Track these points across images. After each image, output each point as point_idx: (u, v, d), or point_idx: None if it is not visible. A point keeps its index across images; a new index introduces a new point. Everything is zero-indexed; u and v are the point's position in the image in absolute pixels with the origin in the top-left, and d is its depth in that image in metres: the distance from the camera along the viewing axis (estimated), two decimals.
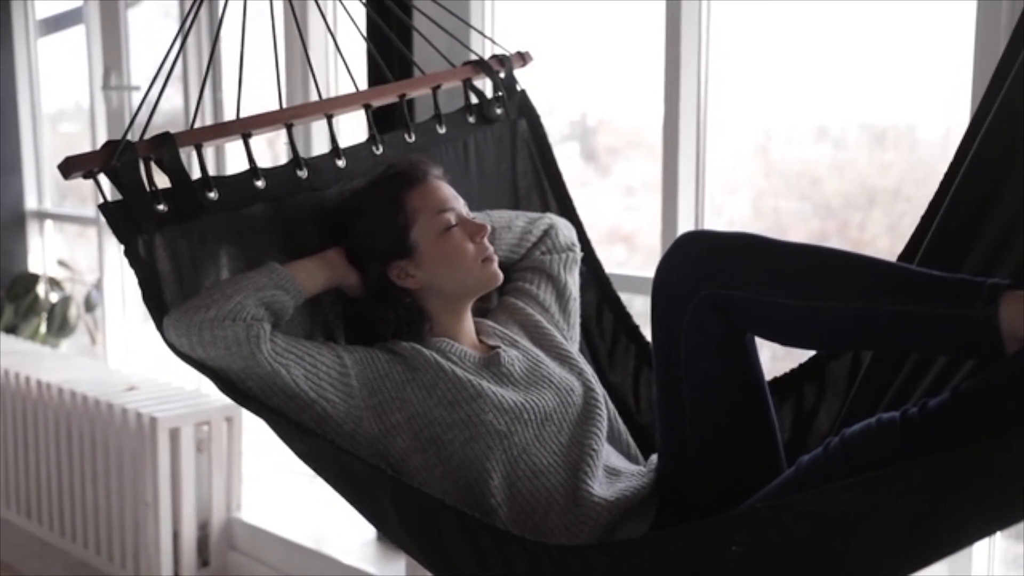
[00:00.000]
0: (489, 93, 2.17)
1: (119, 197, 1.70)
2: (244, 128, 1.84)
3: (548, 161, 2.21)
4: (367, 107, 1.99)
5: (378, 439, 1.70)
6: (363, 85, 2.19)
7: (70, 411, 3.82)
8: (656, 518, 1.68)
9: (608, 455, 1.78)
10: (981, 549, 2.28)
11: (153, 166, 1.73)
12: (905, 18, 2.48)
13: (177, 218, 1.73)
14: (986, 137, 1.62)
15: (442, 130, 2.09)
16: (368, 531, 3.43)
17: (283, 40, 3.46)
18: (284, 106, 1.93)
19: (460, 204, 1.85)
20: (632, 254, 3.33)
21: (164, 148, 1.73)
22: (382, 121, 2.03)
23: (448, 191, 1.85)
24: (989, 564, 2.30)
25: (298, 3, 2.27)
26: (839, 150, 2.85)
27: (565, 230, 2.07)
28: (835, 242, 2.79)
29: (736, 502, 1.50)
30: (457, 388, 1.71)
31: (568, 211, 2.18)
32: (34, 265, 5.09)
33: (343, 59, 2.07)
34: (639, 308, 2.32)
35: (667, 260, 1.61)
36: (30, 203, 5.08)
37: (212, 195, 1.77)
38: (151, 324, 1.71)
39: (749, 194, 2.98)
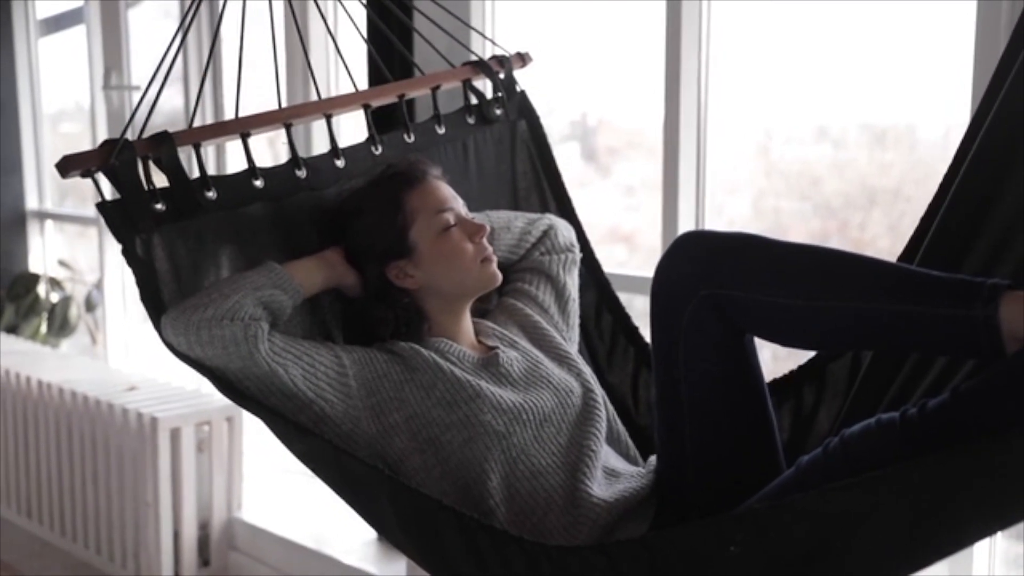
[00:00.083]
0: (489, 94, 2.17)
1: (117, 196, 1.70)
2: (243, 128, 1.84)
3: (547, 162, 2.21)
4: (366, 107, 1.99)
5: (376, 439, 1.69)
6: (363, 86, 2.19)
7: (71, 411, 3.82)
8: (655, 519, 1.68)
9: (607, 456, 1.78)
10: (982, 549, 2.28)
11: (152, 165, 1.73)
12: (905, 18, 2.48)
13: (175, 217, 1.73)
14: (986, 137, 1.62)
15: (441, 130, 2.09)
16: (369, 531, 3.43)
17: (283, 40, 3.46)
18: (284, 106, 1.93)
19: (459, 204, 1.85)
20: (632, 254, 3.33)
21: (162, 147, 1.73)
22: (382, 122, 2.03)
23: (447, 191, 1.85)
24: (990, 564, 2.30)
25: (298, 4, 2.27)
26: (839, 150, 2.85)
27: (564, 231, 2.07)
28: (835, 242, 2.79)
29: (735, 503, 1.50)
30: (456, 388, 1.71)
31: (567, 212, 2.17)
32: (35, 265, 5.09)
33: (343, 61, 2.07)
34: (639, 308, 2.32)
35: (666, 260, 1.61)
36: (31, 203, 5.09)
37: (210, 194, 1.77)
38: (151, 324, 1.71)
39: (749, 194, 2.98)
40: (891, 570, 1.36)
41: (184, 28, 1.85)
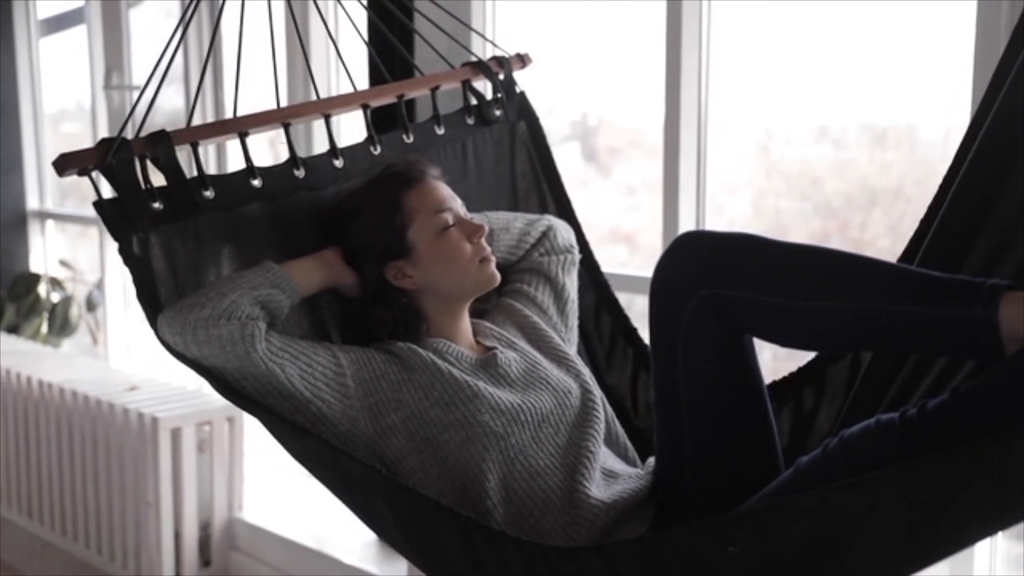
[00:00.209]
0: (488, 95, 2.17)
1: (115, 195, 1.70)
2: (241, 127, 1.84)
3: (547, 163, 2.21)
4: (365, 107, 1.98)
5: (374, 440, 1.69)
6: (364, 87, 2.19)
7: (71, 411, 3.82)
8: (654, 520, 1.68)
9: (605, 457, 1.78)
10: (983, 549, 2.28)
11: (150, 164, 1.73)
12: (905, 18, 2.47)
13: (173, 216, 1.72)
14: (986, 137, 1.62)
15: (441, 131, 2.09)
16: (370, 531, 3.43)
17: (284, 41, 3.46)
18: (282, 106, 1.93)
19: (458, 204, 1.85)
20: (633, 254, 3.33)
21: (160, 146, 1.73)
22: (382, 122, 2.03)
23: (446, 191, 1.85)
24: (991, 564, 2.29)
25: (299, 4, 2.27)
26: (840, 150, 2.85)
27: (564, 232, 2.07)
28: (836, 242, 2.79)
29: (734, 504, 1.50)
30: (454, 389, 1.71)
31: (567, 213, 2.17)
32: (35, 265, 5.09)
33: (343, 63, 2.07)
34: (640, 308, 2.32)
35: (666, 260, 1.61)
36: (31, 203, 5.09)
37: (208, 193, 1.77)
38: (147, 323, 1.71)
39: (750, 194, 2.98)
40: (891, 570, 1.36)
41: (185, 22, 1.84)
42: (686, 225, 2.65)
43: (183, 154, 1.78)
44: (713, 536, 1.32)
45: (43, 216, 5.09)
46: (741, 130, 2.86)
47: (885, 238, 2.70)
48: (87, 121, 4.83)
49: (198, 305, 1.61)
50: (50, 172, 5.08)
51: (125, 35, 4.43)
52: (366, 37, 2.21)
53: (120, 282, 4.63)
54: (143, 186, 1.71)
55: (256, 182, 1.83)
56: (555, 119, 3.32)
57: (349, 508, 1.69)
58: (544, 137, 2.22)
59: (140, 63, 4.41)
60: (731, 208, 2.97)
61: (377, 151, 1.98)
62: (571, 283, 2.03)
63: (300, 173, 1.88)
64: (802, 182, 2.90)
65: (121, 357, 4.69)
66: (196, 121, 1.88)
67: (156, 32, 4.51)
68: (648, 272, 1.67)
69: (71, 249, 5.21)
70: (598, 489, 1.68)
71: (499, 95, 2.17)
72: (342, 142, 1.97)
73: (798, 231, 2.87)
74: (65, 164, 1.68)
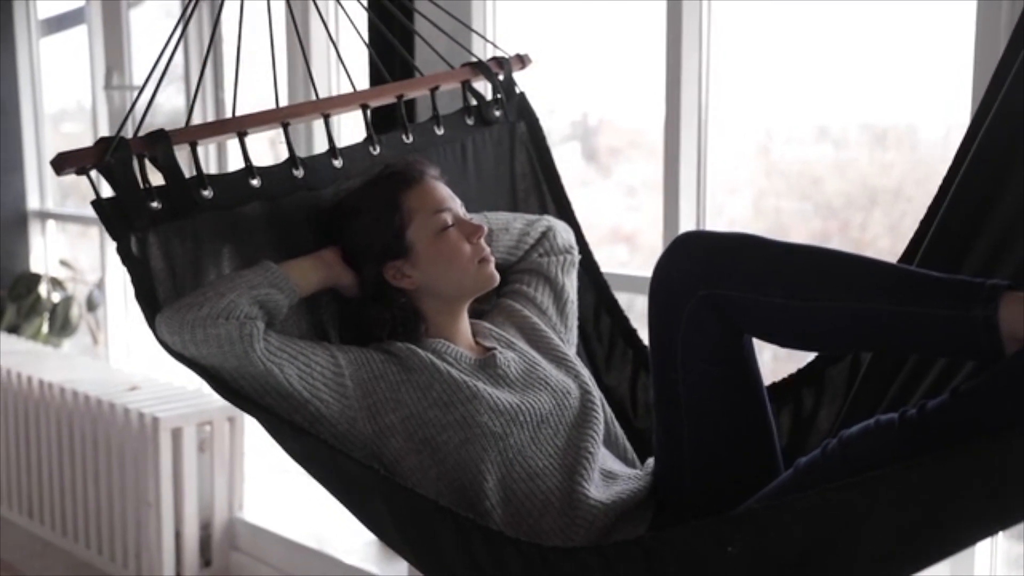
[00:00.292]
0: (488, 95, 2.17)
1: (113, 194, 1.70)
2: (239, 127, 1.84)
3: (547, 163, 2.21)
4: (364, 107, 1.98)
5: (372, 440, 1.69)
6: (364, 87, 2.19)
7: (72, 411, 3.82)
8: (653, 521, 1.67)
9: (604, 458, 1.77)
10: (984, 549, 2.28)
11: (148, 164, 1.72)
12: (905, 18, 2.47)
13: (171, 216, 1.72)
14: (986, 137, 1.62)
15: (440, 131, 2.08)
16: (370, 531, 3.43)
17: (285, 42, 3.46)
18: (281, 105, 1.93)
19: (457, 204, 1.85)
20: (634, 254, 3.33)
21: (158, 145, 1.72)
22: (382, 123, 2.03)
23: (445, 191, 1.85)
24: (992, 564, 2.29)
25: (299, 5, 2.27)
26: (840, 150, 2.85)
27: (563, 232, 2.06)
28: (836, 242, 2.79)
29: (733, 504, 1.49)
30: (452, 389, 1.70)
31: (566, 214, 2.17)
32: (36, 265, 5.09)
33: (343, 65, 2.07)
34: (641, 309, 2.31)
35: (665, 260, 1.61)
36: (32, 203, 5.09)
37: (206, 193, 1.77)
38: (146, 322, 1.71)
39: (750, 194, 2.98)
40: (892, 570, 1.36)
41: (185, 18, 1.84)
42: (686, 225, 2.65)
43: (183, 154, 1.78)
44: (712, 536, 1.32)
45: (44, 216, 5.09)
46: (741, 130, 2.86)
47: (885, 238, 2.70)
48: (88, 121, 4.83)
49: (196, 304, 1.61)
50: (51, 172, 5.03)
51: (125, 35, 4.43)
52: (366, 38, 2.21)
53: (121, 282, 4.63)
54: (141, 185, 1.71)
55: (255, 182, 1.83)
56: (555, 119, 3.33)
57: (347, 508, 1.68)
58: (544, 138, 2.22)
59: (141, 63, 4.41)
60: (731, 208, 2.97)
61: (376, 151, 1.98)
62: (570, 284, 2.03)
63: (299, 173, 1.88)
64: (802, 182, 2.90)
65: (122, 357, 4.69)
66: (196, 121, 1.88)
67: (156, 32, 4.51)
68: (648, 272, 1.67)
69: (72, 249, 5.21)
70: (597, 490, 1.68)
71: (499, 96, 2.16)
72: (342, 143, 1.97)
73: (798, 231, 2.87)
74: (63, 163, 1.68)
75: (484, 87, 2.17)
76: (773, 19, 2.70)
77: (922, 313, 1.42)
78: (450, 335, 1.83)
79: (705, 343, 1.59)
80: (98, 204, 1.69)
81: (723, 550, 1.31)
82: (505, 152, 2.18)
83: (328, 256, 1.80)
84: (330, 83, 3.59)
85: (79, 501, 3.85)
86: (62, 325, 4.85)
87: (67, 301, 4.88)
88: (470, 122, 2.14)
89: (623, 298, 2.17)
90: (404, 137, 2.03)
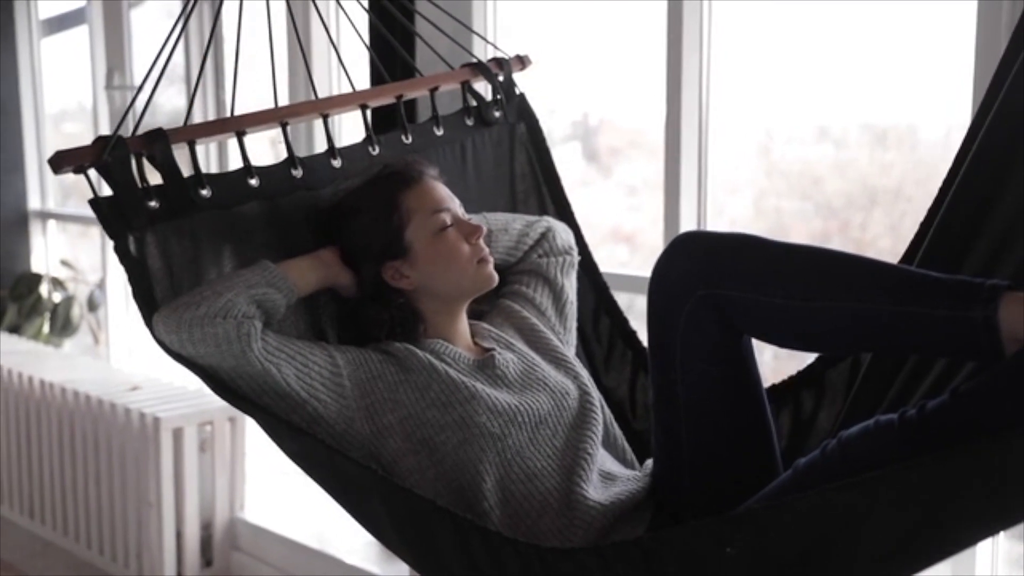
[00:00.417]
0: (488, 96, 2.17)
1: (111, 193, 1.69)
2: (238, 126, 1.84)
3: (546, 164, 2.20)
4: (363, 107, 1.98)
5: (370, 440, 1.69)
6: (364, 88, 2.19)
7: (73, 411, 3.82)
8: (651, 522, 1.67)
9: (603, 459, 1.77)
10: (985, 549, 2.28)
11: (147, 163, 1.72)
12: (906, 18, 2.47)
13: (169, 215, 1.72)
14: (986, 138, 1.62)
15: (439, 132, 2.08)
16: None
17: (286, 43, 3.45)
18: (280, 105, 1.93)
19: (456, 205, 1.84)
20: (634, 254, 3.33)
21: (156, 144, 1.72)
22: (382, 123, 2.03)
23: (444, 191, 1.84)
24: (993, 564, 2.29)
25: (300, 5, 2.27)
26: (840, 150, 2.85)
27: (563, 233, 2.06)
28: (837, 242, 2.79)
29: (732, 505, 1.49)
30: (451, 390, 1.70)
31: (566, 215, 2.17)
32: (37, 265, 5.09)
33: (343, 66, 2.07)
34: (641, 308, 2.31)
35: (664, 260, 1.61)
36: (33, 203, 5.08)
37: (205, 192, 1.76)
38: (143, 322, 1.70)
39: (751, 194, 2.98)
40: (892, 570, 1.36)
41: (186, 15, 1.84)
42: (687, 225, 2.65)
43: (183, 153, 1.78)
44: (711, 536, 1.32)
45: (44, 216, 5.09)
46: (742, 130, 2.86)
47: (886, 238, 2.70)
48: (88, 121, 4.83)
49: (194, 304, 1.60)
50: (51, 172, 5.07)
51: (126, 35, 4.43)
52: (367, 39, 2.21)
53: (121, 282, 4.62)
54: (139, 184, 1.71)
55: (253, 181, 1.82)
56: (556, 119, 3.33)
57: (345, 509, 1.68)
58: (543, 139, 2.22)
59: (142, 63, 4.41)
60: (732, 208, 2.97)
61: (375, 151, 1.98)
62: (570, 285, 2.03)
63: (298, 173, 1.88)
64: (803, 182, 2.90)
65: (123, 357, 4.69)
66: (197, 120, 1.88)
67: (157, 32, 4.51)
68: (649, 272, 1.67)
69: (72, 249, 5.20)
70: (595, 491, 1.68)
71: (498, 96, 2.16)
72: (343, 143, 1.97)
73: (799, 231, 2.87)
74: (61, 161, 1.68)
75: (484, 88, 2.17)
76: (773, 19, 2.70)
77: (922, 313, 1.42)
78: (449, 336, 1.83)
79: (704, 343, 1.59)
80: (95, 203, 1.69)
81: (722, 550, 1.30)
82: (505, 153, 2.18)
83: (326, 256, 1.79)
84: (331, 84, 3.59)
85: (80, 501, 3.85)
86: (63, 325, 4.85)
87: (68, 301, 4.88)
88: (470, 123, 2.13)
89: (623, 298, 2.17)
90: (403, 137, 2.03)
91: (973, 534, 1.34)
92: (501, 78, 2.16)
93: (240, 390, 1.65)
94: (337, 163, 1.93)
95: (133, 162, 1.70)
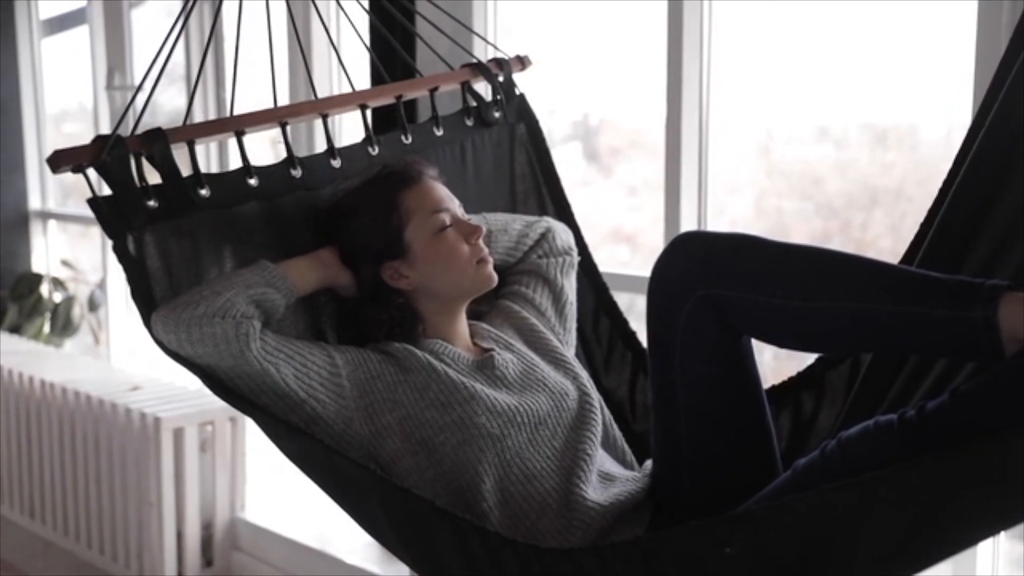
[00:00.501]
0: (488, 97, 2.16)
1: (109, 192, 1.69)
2: (237, 126, 1.83)
3: (546, 165, 2.20)
4: (363, 107, 1.98)
5: (369, 440, 1.68)
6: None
7: (74, 411, 3.82)
8: (651, 523, 1.67)
9: (602, 460, 1.77)
10: (985, 550, 2.28)
11: (145, 163, 1.72)
12: (906, 18, 2.47)
13: (168, 215, 1.72)
14: (986, 138, 1.61)
15: (439, 132, 2.08)
16: None
17: (286, 42, 3.45)
18: (280, 105, 1.92)
19: (455, 205, 1.84)
20: (635, 254, 3.33)
21: (156, 143, 1.72)
22: (382, 124, 2.03)
23: (443, 192, 1.84)
24: (994, 564, 2.29)
25: (300, 5, 2.27)
26: (841, 150, 2.85)
27: (563, 234, 2.06)
28: (837, 242, 2.79)
29: (731, 505, 1.49)
30: (450, 390, 1.70)
31: (566, 215, 2.17)
32: (37, 265, 5.09)
33: (343, 67, 2.07)
34: (642, 309, 2.31)
35: (663, 260, 1.61)
36: (33, 203, 5.09)
37: (204, 192, 1.76)
38: (141, 321, 1.70)
39: (751, 194, 2.98)
40: (891, 571, 1.35)
41: (186, 12, 1.83)
42: (688, 225, 2.65)
43: (183, 153, 1.77)
44: (710, 537, 1.32)
45: (45, 216, 5.10)
46: (742, 130, 2.86)
47: (886, 238, 2.70)
48: (89, 121, 4.83)
49: (192, 303, 1.60)
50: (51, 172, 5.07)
51: (127, 35, 4.43)
52: (367, 40, 2.20)
53: (122, 282, 4.61)
54: (138, 184, 1.70)
55: (252, 181, 1.82)
56: (556, 119, 3.33)
57: (343, 509, 1.68)
58: (543, 139, 2.22)
59: (142, 63, 4.41)
60: (732, 208, 2.97)
61: (375, 151, 1.98)
62: (569, 285, 2.02)
63: (297, 172, 1.87)
64: (803, 182, 2.90)
65: (123, 357, 4.69)
66: (197, 120, 1.88)
67: (158, 32, 4.50)
68: (649, 273, 1.67)
69: (73, 249, 5.21)
70: (595, 492, 1.67)
71: (498, 97, 2.16)
72: (343, 144, 1.97)
73: (799, 231, 2.87)
74: (59, 161, 1.67)
75: (484, 88, 2.17)
76: (774, 19, 2.70)
77: (922, 313, 1.42)
78: (448, 336, 1.83)
79: (703, 343, 1.59)
80: (94, 202, 1.69)
81: (721, 551, 1.30)
82: (504, 153, 2.17)
83: (326, 256, 1.79)
84: (331, 84, 3.59)
85: (81, 501, 3.85)
86: (63, 325, 4.85)
87: (68, 301, 4.88)
88: (469, 123, 2.13)
89: (624, 298, 2.16)
90: (403, 138, 2.03)
91: (973, 534, 1.34)
92: (501, 78, 2.16)
93: (238, 390, 1.64)
94: (336, 163, 1.93)
95: (132, 162, 1.70)
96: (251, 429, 3.74)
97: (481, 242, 1.82)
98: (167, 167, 1.73)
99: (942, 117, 2.57)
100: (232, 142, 1.88)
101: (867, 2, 2.51)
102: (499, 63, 2.18)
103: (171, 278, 1.71)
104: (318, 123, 1.99)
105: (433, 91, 2.09)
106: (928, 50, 2.44)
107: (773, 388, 1.89)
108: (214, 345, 1.59)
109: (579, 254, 2.08)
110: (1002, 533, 1.97)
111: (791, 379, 1.90)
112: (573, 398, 1.80)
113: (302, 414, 1.65)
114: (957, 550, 1.36)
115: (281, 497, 3.85)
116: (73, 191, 5.15)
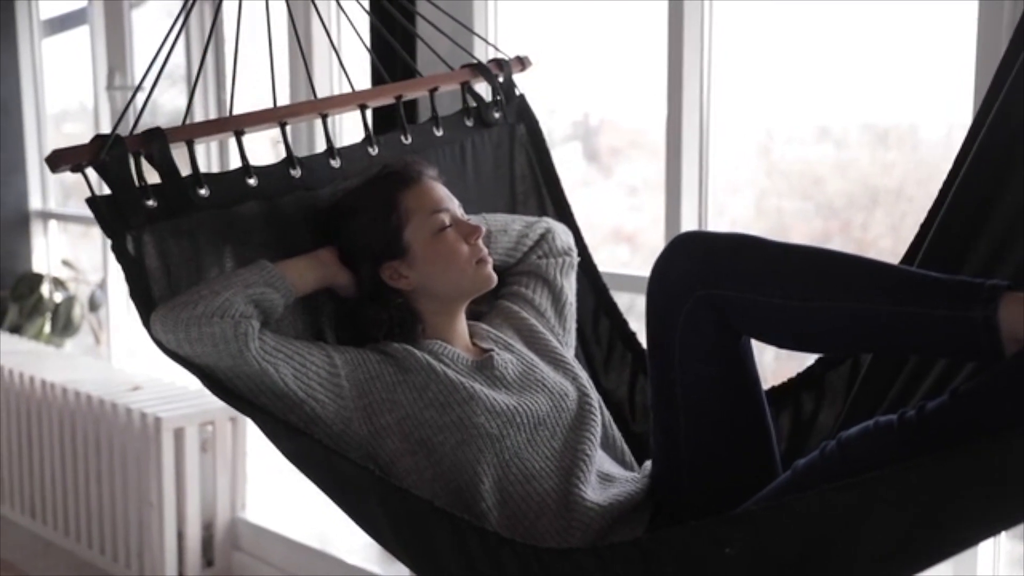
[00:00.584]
0: (488, 97, 2.16)
1: (108, 192, 1.69)
2: (236, 126, 1.83)
3: (546, 166, 2.20)
4: (363, 108, 1.98)
5: (368, 440, 1.68)
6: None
7: (74, 411, 3.82)
8: (650, 524, 1.67)
9: (602, 461, 1.76)
10: (986, 549, 2.28)
11: (144, 163, 1.72)
12: (907, 18, 2.47)
13: (167, 214, 1.72)
14: (987, 138, 1.61)
15: (439, 132, 2.08)
16: None
17: (286, 42, 3.45)
18: (280, 105, 1.92)
19: (455, 205, 1.84)
20: (635, 254, 3.33)
21: (154, 143, 1.72)
22: (382, 124, 2.03)
23: (442, 192, 1.84)
24: (994, 564, 2.29)
25: (301, 5, 2.27)
26: (841, 150, 2.85)
27: (562, 234, 2.06)
28: (838, 242, 2.79)
29: (731, 506, 1.48)
30: (449, 390, 1.70)
31: (565, 216, 2.16)
32: (38, 265, 5.09)
33: (343, 67, 2.07)
34: (642, 309, 2.31)
35: (663, 260, 1.61)
36: (34, 203, 5.09)
37: (203, 192, 1.76)
38: (140, 321, 1.70)
39: (752, 194, 2.98)
40: (891, 571, 1.35)
41: (186, 11, 1.83)
42: (688, 225, 2.65)
43: (183, 153, 1.77)
44: (710, 537, 1.32)
45: (46, 216, 5.10)
46: (743, 130, 2.86)
47: (887, 238, 2.70)
48: (90, 121, 4.84)
49: (191, 303, 1.60)
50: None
51: (127, 35, 4.43)
52: (367, 41, 2.20)
53: (122, 282, 4.61)
54: (137, 183, 1.70)
55: (252, 181, 1.82)
56: (556, 119, 3.33)
57: (342, 509, 1.68)
58: (543, 140, 2.21)
59: (142, 64, 4.41)
60: (733, 208, 2.97)
61: (375, 151, 1.98)
62: (569, 286, 2.02)
63: (296, 172, 1.87)
64: (804, 182, 2.90)
65: (124, 357, 4.69)
66: (197, 120, 1.88)
67: (159, 32, 4.49)
68: (649, 273, 1.66)
69: (73, 249, 5.21)
70: (594, 492, 1.67)
71: (498, 97, 2.16)
72: (343, 144, 1.97)
73: (800, 231, 2.87)
74: (58, 160, 1.67)
75: (484, 89, 2.17)
76: (774, 19, 2.70)
77: (921, 313, 1.41)
78: (447, 336, 1.83)
79: (703, 343, 1.59)
80: (93, 202, 1.68)
81: (721, 551, 1.30)
82: (504, 154, 2.17)
83: (325, 256, 1.79)
84: (331, 84, 3.59)
85: (81, 501, 3.85)
86: (64, 325, 4.85)
87: (69, 301, 4.88)
88: (469, 124, 2.13)
89: (624, 298, 2.16)
90: (403, 138, 2.03)
91: (973, 534, 1.34)
92: (501, 79, 2.16)
93: (237, 390, 1.64)
94: (336, 163, 1.93)
95: (131, 161, 1.70)
96: (251, 429, 3.74)
97: (481, 242, 1.82)
98: (166, 167, 1.73)
99: (942, 117, 2.57)
100: (232, 142, 1.88)
101: (867, 2, 2.51)
102: (499, 64, 2.18)
103: (170, 278, 1.70)
104: (318, 123, 1.99)
105: (433, 91, 2.09)
106: (928, 50, 2.44)
107: (773, 389, 1.89)
108: (213, 345, 1.59)
109: (579, 254, 2.08)
110: (1002, 533, 1.97)
111: (791, 380, 1.90)
112: (572, 399, 1.79)
113: (301, 414, 1.65)
114: (957, 550, 1.36)
115: (281, 497, 3.85)
116: (74, 191, 5.15)
